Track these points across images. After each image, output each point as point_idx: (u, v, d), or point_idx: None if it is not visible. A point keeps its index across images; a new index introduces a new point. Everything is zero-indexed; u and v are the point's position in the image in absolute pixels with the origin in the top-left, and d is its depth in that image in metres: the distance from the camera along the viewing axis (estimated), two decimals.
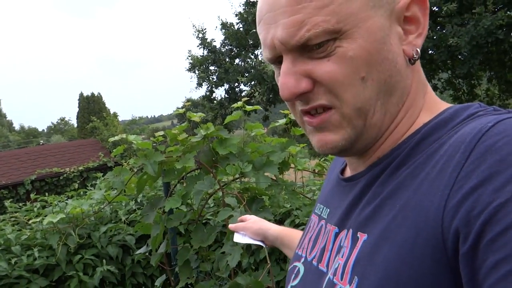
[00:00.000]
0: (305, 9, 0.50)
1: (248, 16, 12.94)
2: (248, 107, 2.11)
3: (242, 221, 1.12)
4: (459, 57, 11.02)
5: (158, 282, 2.47)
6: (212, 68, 13.91)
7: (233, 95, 13.93)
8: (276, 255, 2.87)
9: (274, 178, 2.05)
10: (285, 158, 2.03)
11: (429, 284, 0.44)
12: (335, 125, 0.55)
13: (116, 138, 1.97)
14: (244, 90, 13.69)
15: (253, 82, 12.44)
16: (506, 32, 9.86)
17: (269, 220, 2.25)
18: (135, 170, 2.08)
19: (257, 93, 11.68)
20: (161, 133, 2.05)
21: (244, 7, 13.36)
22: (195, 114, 2.11)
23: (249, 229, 1.06)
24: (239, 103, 2.10)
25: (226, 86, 13.84)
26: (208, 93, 14.25)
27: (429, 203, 0.45)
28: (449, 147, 0.47)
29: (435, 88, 13.51)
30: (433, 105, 0.56)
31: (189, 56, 13.83)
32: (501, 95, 12.32)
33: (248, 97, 12.96)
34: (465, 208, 0.41)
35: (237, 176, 1.96)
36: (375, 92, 0.53)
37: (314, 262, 0.62)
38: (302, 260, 0.67)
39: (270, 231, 1.02)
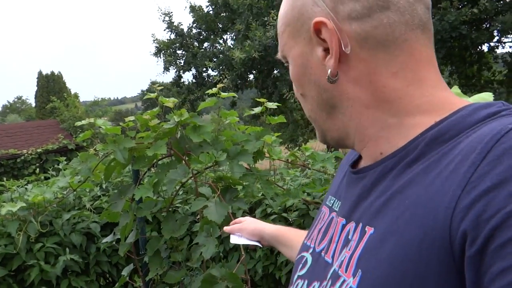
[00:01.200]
0: (278, 38, 0.64)
1: None
2: (223, 94, 2.05)
3: (236, 223, 1.13)
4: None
5: (125, 272, 2.40)
6: (179, 52, 13.62)
7: (200, 80, 13.72)
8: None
9: (248, 167, 2.01)
10: (260, 148, 2.00)
11: (434, 284, 0.43)
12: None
13: (84, 122, 1.86)
14: (211, 76, 13.51)
15: (221, 68, 12.29)
16: (469, 28, 10.21)
17: (243, 210, 2.22)
18: (103, 156, 1.99)
19: (225, 79, 11.55)
20: (132, 118, 1.96)
21: None
22: (168, 99, 2.03)
23: (244, 230, 1.08)
24: (214, 90, 2.04)
25: (194, 71, 13.61)
26: (176, 78, 13.97)
27: (439, 202, 0.44)
28: (465, 147, 0.46)
29: None
30: (442, 104, 0.54)
31: (154, 40, 13.48)
32: (461, 88, 12.79)
33: (217, 83, 12.81)
34: (475, 211, 0.41)
35: (210, 164, 1.90)
36: (317, 106, 0.60)
37: (323, 254, 0.62)
38: (311, 250, 0.67)
39: (266, 231, 1.04)
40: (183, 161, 2.01)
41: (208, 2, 13.06)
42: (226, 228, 1.13)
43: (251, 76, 12.68)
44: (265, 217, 2.68)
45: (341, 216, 0.61)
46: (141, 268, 2.33)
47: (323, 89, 0.58)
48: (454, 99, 0.55)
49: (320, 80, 0.58)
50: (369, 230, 0.52)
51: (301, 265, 0.68)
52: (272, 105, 2.04)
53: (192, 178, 1.89)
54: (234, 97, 13.40)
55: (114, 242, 2.54)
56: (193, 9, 13.36)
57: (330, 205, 0.68)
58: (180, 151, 2.02)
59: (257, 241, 1.06)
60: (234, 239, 1.08)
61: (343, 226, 0.59)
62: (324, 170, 2.43)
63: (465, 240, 0.41)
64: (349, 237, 0.56)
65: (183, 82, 14.31)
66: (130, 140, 1.89)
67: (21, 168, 10.27)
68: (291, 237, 0.97)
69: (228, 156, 1.89)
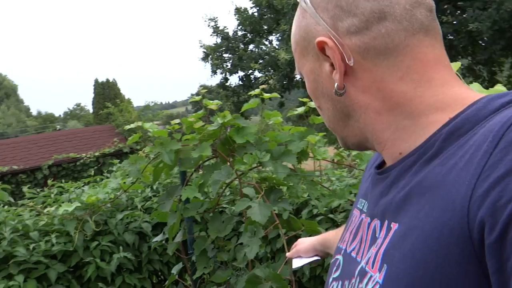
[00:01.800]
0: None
1: (262, 0, 12.76)
2: (266, 95, 2.06)
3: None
4: (480, 42, 10.73)
5: (174, 270, 2.47)
6: (226, 55, 13.84)
7: (247, 82, 13.85)
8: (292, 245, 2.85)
9: (293, 167, 2.01)
10: (304, 148, 1.99)
11: (456, 273, 0.44)
12: None
13: (132, 126, 1.94)
14: (258, 77, 13.60)
15: (267, 69, 12.33)
16: None
17: (288, 211, 2.21)
18: (151, 158, 2.06)
19: (271, 80, 11.58)
20: (177, 121, 2.02)
21: None
22: (211, 101, 2.07)
23: (299, 250, 1.12)
24: (256, 91, 2.05)
25: (240, 73, 13.77)
26: (223, 81, 14.20)
27: (456, 193, 0.45)
28: (479, 137, 0.47)
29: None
30: (455, 100, 0.54)
31: (201, 45, 13.79)
32: None
33: (262, 84, 12.88)
34: (491, 198, 0.41)
35: (254, 165, 1.92)
36: (334, 117, 0.64)
37: (353, 254, 0.64)
38: (342, 252, 0.69)
39: (315, 242, 1.09)
40: (228, 162, 2.04)
41: (253, 3, 13.16)
42: (288, 255, 1.18)
43: (298, 76, 12.58)
44: (311, 218, 2.66)
45: (367, 216, 0.64)
46: (189, 267, 2.39)
47: (336, 101, 0.61)
48: (468, 94, 0.55)
49: (331, 93, 0.61)
50: (394, 226, 0.53)
51: (335, 267, 0.70)
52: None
53: (237, 179, 1.91)
54: (281, 97, 13.41)
55: (164, 241, 2.63)
56: (238, 11, 13.52)
57: (361, 208, 0.70)
58: (224, 153, 2.05)
59: (315, 256, 1.09)
60: (296, 263, 1.13)
61: (369, 225, 0.61)
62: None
63: (483, 228, 0.41)
64: (376, 235, 0.58)
65: (230, 84, 14.51)
66: (176, 142, 1.95)
67: (81, 170, 10.84)
68: (334, 239, 1.00)
69: (272, 157, 1.89)
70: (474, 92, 0.55)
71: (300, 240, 1.17)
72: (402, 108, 0.56)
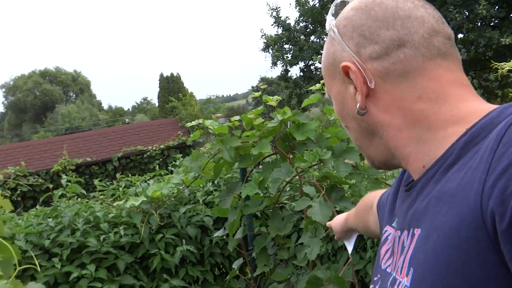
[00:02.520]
0: None
1: None
2: None
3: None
4: None
5: (235, 265, 2.49)
6: (286, 46, 13.72)
7: (308, 73, 13.67)
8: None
9: (355, 165, 1.92)
10: None
11: (477, 265, 0.46)
12: None
13: (194, 123, 1.96)
14: (319, 68, 13.35)
15: None
16: None
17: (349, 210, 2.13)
18: (212, 155, 2.07)
19: None
20: (237, 117, 2.01)
21: None
22: (271, 98, 2.03)
23: (337, 232, 1.20)
24: (317, 86, 1.99)
25: (301, 64, 13.60)
26: (283, 72, 14.12)
27: (470, 190, 0.48)
28: (489, 140, 0.50)
29: None
30: (471, 114, 0.58)
31: (263, 35, 13.75)
32: None
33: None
34: (498, 188, 0.45)
35: (315, 163, 1.86)
36: (359, 135, 0.69)
37: (388, 269, 0.68)
38: (380, 269, 0.73)
39: (348, 222, 1.14)
40: (287, 159, 2.00)
41: None
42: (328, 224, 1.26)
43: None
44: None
45: (397, 230, 0.68)
46: (250, 262, 2.39)
47: (360, 120, 0.67)
48: (483, 106, 0.59)
49: (355, 112, 0.66)
50: (417, 232, 0.57)
51: (377, 286, 0.73)
52: None
53: (297, 176, 1.86)
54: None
55: (224, 236, 2.66)
56: (299, 3, 13.32)
57: (395, 226, 0.72)
58: (284, 149, 2.01)
59: (355, 233, 1.15)
60: (349, 248, 1.18)
61: (399, 238, 0.65)
62: None
63: (494, 217, 0.44)
64: (404, 244, 0.62)
65: (291, 76, 14.38)
66: (236, 139, 1.94)
67: (147, 163, 11.35)
68: (352, 220, 1.10)
69: (333, 154, 1.83)
70: (490, 105, 0.59)
71: (333, 222, 1.22)
72: (421, 124, 0.60)
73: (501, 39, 8.89)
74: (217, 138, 1.95)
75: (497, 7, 9.71)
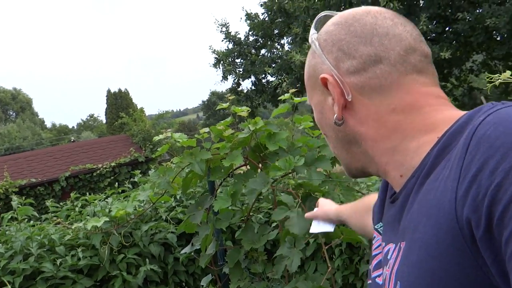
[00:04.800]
0: None
1: (273, 5, 12.73)
2: (296, 99, 1.99)
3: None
4: (497, 38, 10.54)
5: (204, 282, 2.40)
6: (238, 60, 13.80)
7: (260, 86, 13.80)
8: (321, 252, 2.75)
9: (327, 173, 1.93)
10: None
11: (459, 273, 0.47)
12: None
13: (161, 137, 1.89)
14: (271, 82, 13.55)
15: (279, 72, 12.27)
16: None
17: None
18: (180, 169, 2.00)
19: (284, 83, 11.51)
20: (206, 129, 1.96)
21: None
22: (240, 108, 2.01)
23: (318, 217, 1.19)
24: (287, 95, 1.99)
25: (253, 78, 13.71)
26: (234, 86, 14.17)
27: (444, 199, 0.49)
28: (459, 146, 0.52)
29: (471, 70, 13.01)
30: (443, 121, 0.59)
31: (213, 51, 13.75)
32: None
33: (275, 88, 12.82)
34: (471, 196, 0.45)
35: (287, 172, 1.84)
36: (337, 144, 0.71)
37: (378, 280, 0.69)
38: (371, 277, 0.73)
39: (331, 215, 1.15)
40: (259, 170, 1.97)
41: (264, 9, 13.13)
42: (307, 215, 1.24)
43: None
44: (344, 225, 2.57)
45: (383, 241, 0.69)
46: (220, 278, 2.32)
47: (337, 130, 0.68)
48: (458, 114, 0.59)
49: (333, 122, 0.68)
50: (402, 245, 0.58)
51: None
52: None
53: (270, 187, 1.84)
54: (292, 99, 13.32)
55: (192, 253, 2.56)
56: (249, 17, 13.50)
57: (381, 232, 0.74)
58: (255, 160, 1.98)
59: (330, 225, 1.15)
60: (314, 228, 1.17)
61: (387, 250, 0.65)
62: None
63: (470, 224, 0.45)
64: (388, 256, 0.63)
65: (242, 90, 14.47)
66: (207, 151, 1.89)
67: (97, 181, 10.88)
68: (348, 214, 1.10)
69: (305, 163, 1.82)
70: (462, 112, 0.59)
71: (321, 201, 1.23)
72: (396, 135, 0.62)
73: (441, 53, 9.46)
74: (187, 151, 1.89)
75: (435, 22, 10.34)
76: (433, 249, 0.49)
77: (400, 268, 0.57)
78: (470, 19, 10.12)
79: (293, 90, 2.01)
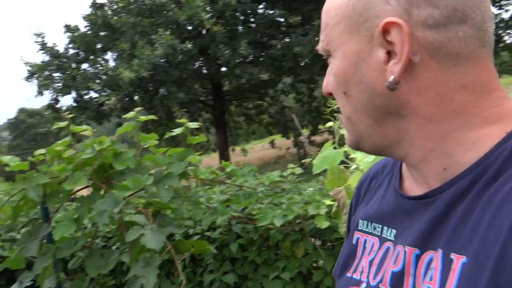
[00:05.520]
0: (322, 29, 0.59)
1: (97, 19, 12.11)
2: (142, 118, 2.00)
3: None
4: (301, 64, 12.23)
5: None
6: (56, 74, 12.62)
7: (82, 103, 12.86)
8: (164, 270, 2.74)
9: (175, 189, 1.98)
10: (185, 168, 1.98)
11: None
12: (345, 127, 0.61)
13: None
14: (94, 98, 12.77)
15: (105, 89, 11.69)
16: None
17: (175, 234, 2.14)
18: (10, 196, 1.78)
19: (111, 100, 11.01)
20: (42, 151, 1.79)
21: (91, 10, 12.49)
22: (80, 127, 1.91)
23: None
24: (132, 114, 1.98)
25: (74, 94, 12.70)
26: (52, 102, 12.88)
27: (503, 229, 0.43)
28: None
29: (282, 91, 14.74)
30: (510, 112, 0.52)
31: (25, 63, 12.30)
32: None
33: (101, 105, 12.12)
34: None
35: (136, 191, 1.83)
36: (365, 110, 0.55)
37: (382, 287, 0.57)
38: (364, 285, 0.60)
39: None
40: (104, 191, 1.89)
41: (87, 22, 12.38)
42: None
43: (136, 97, 12.32)
44: (186, 238, 2.63)
45: (408, 246, 0.55)
46: None
47: (376, 94, 0.53)
48: None
49: (375, 84, 0.53)
50: (459, 259, 0.47)
51: None
52: (193, 125, 2.04)
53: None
54: (120, 118, 12.81)
55: None
56: (69, 29, 12.54)
57: (379, 234, 0.62)
58: (100, 181, 1.90)
59: None
60: None
61: (418, 257, 0.53)
62: (241, 184, 2.47)
63: None
64: (432, 266, 0.51)
65: (61, 106, 13.28)
66: (44, 175, 1.73)
67: None
68: None
69: (154, 181, 1.84)
70: None
71: None
72: (457, 119, 0.51)
73: (260, 75, 10.50)
74: (19, 176, 1.70)
75: (254, 47, 11.43)
76: (506, 270, 0.42)
77: (466, 285, 0.46)
78: (281, 46, 11.52)
79: (139, 108, 2.00)
